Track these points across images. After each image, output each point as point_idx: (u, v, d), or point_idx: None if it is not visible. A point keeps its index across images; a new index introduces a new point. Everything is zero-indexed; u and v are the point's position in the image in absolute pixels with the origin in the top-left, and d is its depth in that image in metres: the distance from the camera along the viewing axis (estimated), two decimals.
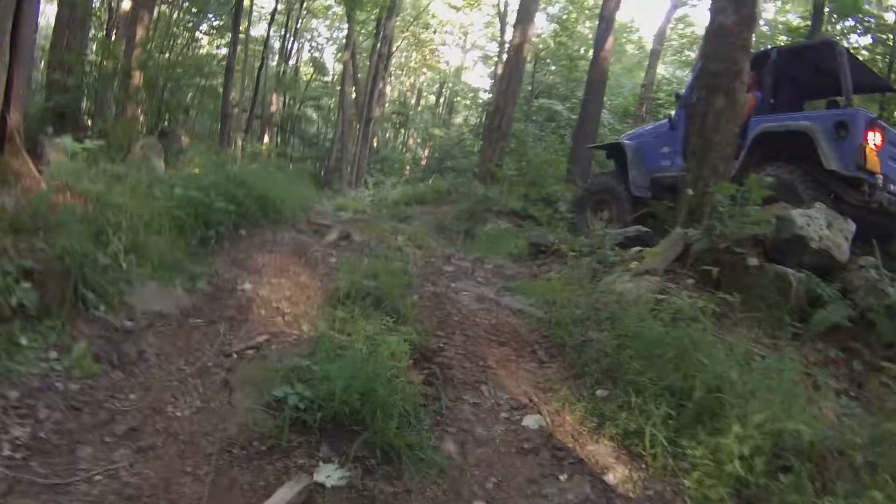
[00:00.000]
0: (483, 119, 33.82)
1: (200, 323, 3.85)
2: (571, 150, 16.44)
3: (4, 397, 2.86)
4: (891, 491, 2.84)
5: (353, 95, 27.96)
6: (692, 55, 30.86)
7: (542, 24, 28.86)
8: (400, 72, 43.33)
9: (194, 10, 28.69)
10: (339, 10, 31.63)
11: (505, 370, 3.91)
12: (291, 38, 33.57)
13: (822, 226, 6.12)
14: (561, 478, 2.99)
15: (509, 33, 31.66)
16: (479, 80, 46.85)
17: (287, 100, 35.30)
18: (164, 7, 27.09)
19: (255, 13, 33.05)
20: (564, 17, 28.89)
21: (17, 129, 4.60)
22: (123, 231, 4.45)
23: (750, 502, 2.93)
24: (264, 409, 2.91)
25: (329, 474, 2.65)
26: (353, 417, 2.83)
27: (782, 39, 20.64)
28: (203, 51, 33.47)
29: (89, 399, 3.05)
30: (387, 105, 35.41)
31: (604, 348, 4.17)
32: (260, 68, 27.31)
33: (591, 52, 27.01)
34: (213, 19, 29.78)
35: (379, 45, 24.09)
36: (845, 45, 9.55)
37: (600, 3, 28.40)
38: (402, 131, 39.14)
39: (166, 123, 22.99)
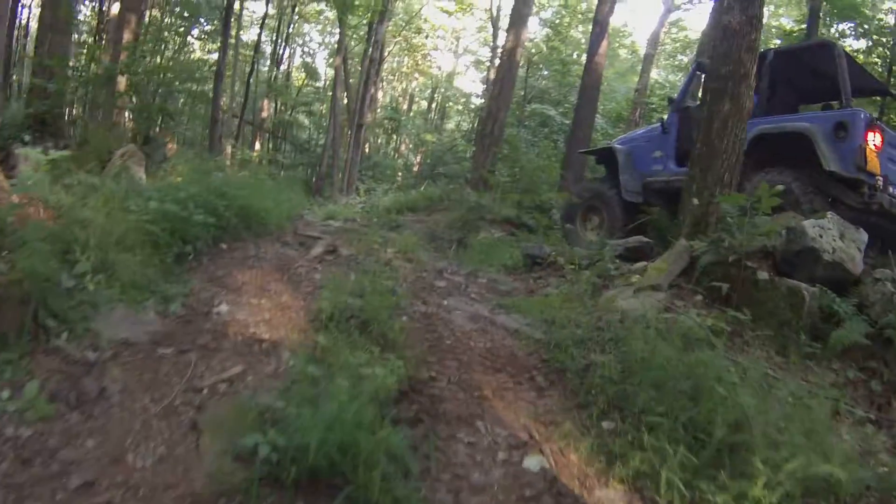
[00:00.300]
0: (475, 124, 33.68)
1: (170, 352, 3.52)
2: (565, 156, 16.22)
3: None
4: None
5: (345, 101, 27.73)
6: (686, 59, 30.79)
7: (534, 29, 28.69)
8: (392, 77, 43.17)
9: (186, 14, 28.52)
10: (331, 14, 31.45)
11: (502, 401, 3.60)
12: (283, 44, 33.34)
13: (834, 237, 5.85)
14: None
15: (502, 38, 31.59)
16: (472, 85, 46.83)
17: (278, 105, 35.04)
18: (155, 12, 26.95)
19: (246, 18, 32.88)
20: (557, 21, 28.69)
21: None
22: (92, 249, 4.13)
23: None
24: (233, 460, 2.60)
25: None
26: (332, 470, 2.50)
27: (775, 43, 20.46)
28: (195, 56, 33.27)
29: (41, 447, 2.72)
30: (378, 110, 35.17)
31: (609, 374, 3.87)
32: (250, 73, 27.04)
33: (583, 57, 27.08)
34: (204, 24, 29.61)
35: (371, 49, 23.81)
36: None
37: (593, 7, 28.52)
38: (394, 137, 38.92)
39: (157, 129, 22.79)
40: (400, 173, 31.84)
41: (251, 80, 27.60)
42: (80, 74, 8.98)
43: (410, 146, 38.25)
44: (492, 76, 31.50)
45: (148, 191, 5.48)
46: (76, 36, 27.17)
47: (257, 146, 31.15)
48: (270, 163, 28.15)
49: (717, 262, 5.59)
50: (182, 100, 34.17)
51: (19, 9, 16.11)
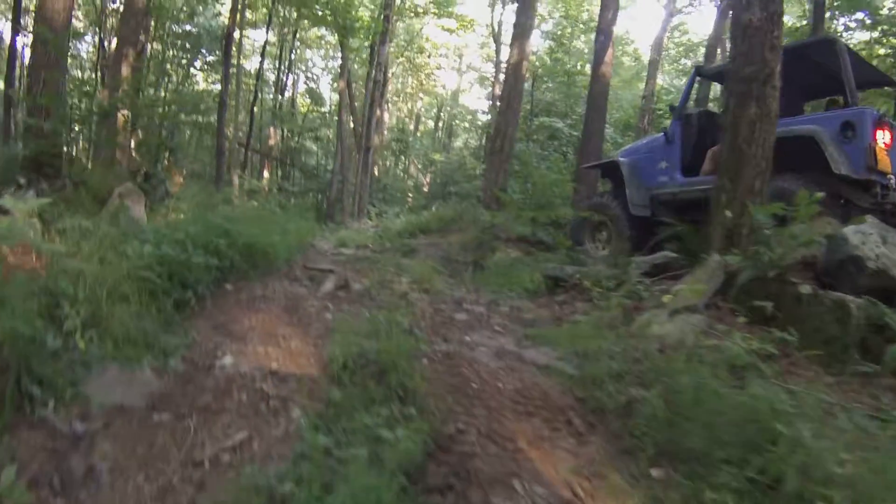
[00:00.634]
0: (483, 141, 33.48)
1: (168, 418, 3.16)
2: (576, 169, 15.88)
3: None
4: None
5: (351, 125, 27.54)
6: (689, 63, 30.46)
7: (537, 42, 28.45)
8: (397, 98, 43.07)
9: (188, 46, 28.49)
10: (333, 39, 31.35)
11: (539, 452, 3.22)
12: (286, 71, 33.23)
13: (877, 243, 5.46)
14: None
15: (504, 53, 31.45)
16: (477, 101, 46.72)
17: (285, 133, 34.92)
18: (156, 45, 26.90)
19: (248, 47, 32.82)
20: (559, 32, 28.46)
21: None
22: (81, 303, 3.80)
23: None
24: None
25: None
26: None
27: None
28: (199, 87, 33.24)
29: None
30: (385, 132, 34.96)
31: (653, 412, 3.49)
32: (253, 102, 26.86)
33: (588, 67, 26.83)
34: (207, 55, 29.57)
35: (374, 71, 23.60)
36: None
37: (595, 16, 28.33)
38: (403, 158, 38.70)
39: (163, 163, 22.61)
40: (410, 195, 31.59)
41: (255, 109, 27.38)
42: (75, 112, 8.68)
43: (419, 167, 38.05)
44: (497, 92, 31.40)
45: (144, 233, 5.15)
46: (79, 72, 27.27)
47: (266, 174, 30.96)
48: (280, 191, 27.99)
49: (757, 278, 5.22)
50: (188, 132, 34.26)
51: (21, 48, 15.90)
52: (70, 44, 9.53)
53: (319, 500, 2.25)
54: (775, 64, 6.17)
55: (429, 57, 37.40)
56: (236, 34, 22.49)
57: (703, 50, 30.64)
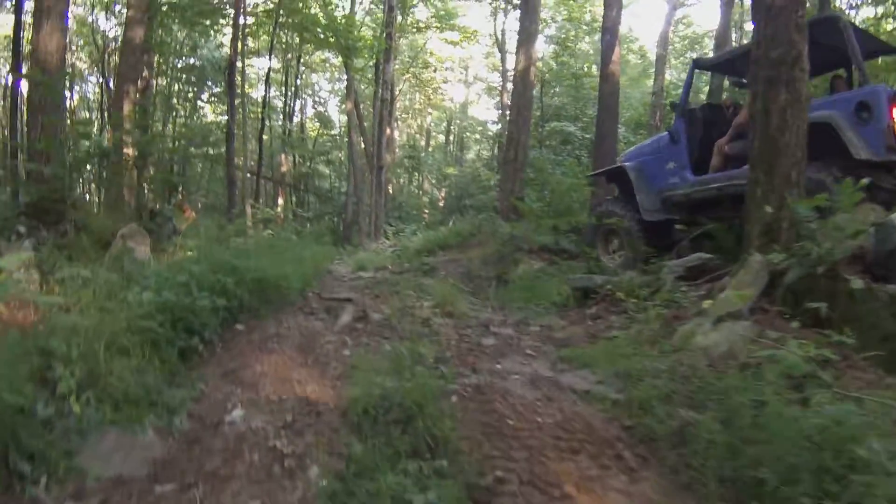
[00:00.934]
0: (495, 151, 33.17)
1: (172, 489, 2.81)
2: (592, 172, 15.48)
3: None
4: None
5: (362, 145, 27.32)
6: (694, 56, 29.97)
7: (541, 48, 28.11)
8: (406, 115, 42.90)
9: (193, 79, 28.49)
10: (337, 61, 31.24)
11: (589, 496, 2.85)
12: (293, 96, 33.15)
13: None
14: None
15: (510, 61, 31.19)
16: (486, 112, 46.43)
17: (296, 158, 34.81)
18: (161, 80, 26.91)
19: (252, 75, 32.78)
20: (563, 36, 28.13)
21: None
22: (76, 362, 3.49)
23: None
24: None
25: None
26: None
27: None
28: (207, 120, 33.27)
29: None
30: (397, 150, 34.74)
31: (710, 438, 3.12)
32: (261, 129, 26.73)
33: (594, 69, 26.49)
34: (212, 87, 29.56)
35: (380, 90, 23.37)
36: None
37: (597, 17, 27.99)
38: (416, 175, 38.45)
39: (173, 199, 22.49)
40: (426, 211, 31.28)
41: (264, 137, 27.25)
42: (74, 155, 8.44)
43: (433, 182, 37.76)
44: (505, 100, 31.11)
45: (146, 278, 4.84)
46: (86, 114, 27.34)
47: (280, 201, 30.81)
48: (295, 217, 27.82)
49: (805, 277, 4.82)
50: (199, 165, 34.23)
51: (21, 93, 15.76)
52: (66, 85, 9.29)
53: None
54: (803, 45, 5.77)
55: (434, 71, 37.13)
56: (239, 63, 22.30)
57: (708, 41, 30.34)
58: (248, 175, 27.33)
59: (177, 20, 22.34)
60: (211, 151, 30.47)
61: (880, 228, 5.10)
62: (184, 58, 27.35)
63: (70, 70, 26.51)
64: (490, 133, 38.83)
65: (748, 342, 4.44)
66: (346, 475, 2.76)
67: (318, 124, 39.00)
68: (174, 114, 30.79)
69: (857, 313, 4.56)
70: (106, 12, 23.09)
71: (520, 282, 8.81)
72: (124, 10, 14.59)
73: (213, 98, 31.12)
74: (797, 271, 4.81)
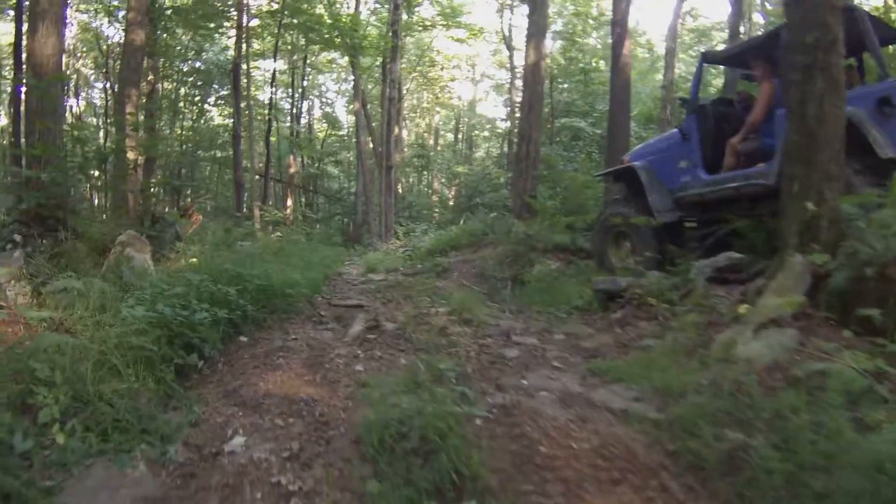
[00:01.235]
0: (504, 149, 32.84)
1: None
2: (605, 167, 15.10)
3: None
4: None
5: (370, 145, 27.07)
6: (703, 49, 29.47)
7: (548, 43, 27.74)
8: (414, 114, 42.63)
9: (199, 82, 28.28)
10: (344, 61, 30.99)
11: None
12: (300, 98, 32.91)
13: None
14: None
15: (518, 58, 30.92)
16: (494, 109, 46.13)
17: (304, 160, 34.60)
18: (167, 84, 26.72)
19: (259, 78, 32.55)
20: (570, 31, 27.76)
21: None
22: (60, 386, 3.16)
23: None
24: None
25: None
26: None
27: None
28: (214, 123, 33.12)
29: None
30: (405, 150, 34.44)
31: (765, 465, 2.76)
32: (268, 131, 26.49)
33: (602, 64, 26.12)
34: (219, 90, 29.34)
35: (388, 89, 23.08)
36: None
37: (604, 11, 27.64)
38: (425, 174, 38.14)
39: (182, 202, 22.26)
40: (436, 210, 30.97)
41: (270, 138, 27.00)
42: (72, 160, 8.12)
43: (443, 181, 37.45)
44: (514, 97, 30.79)
45: (141, 289, 4.51)
46: (93, 119, 27.15)
47: (289, 203, 30.56)
48: (304, 219, 27.59)
49: (853, 279, 4.44)
50: (208, 168, 34.06)
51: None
52: (70, 90, 8.99)
53: None
54: (838, 29, 5.37)
55: (441, 69, 36.83)
56: (244, 65, 22.04)
57: (715, 34, 29.90)
58: (257, 177, 27.10)
59: (180, 24, 22.11)
60: (219, 154, 30.31)
61: None
62: (189, 61, 27.12)
63: (74, 76, 26.46)
64: (499, 130, 38.54)
65: (794, 352, 4.08)
66: None
67: (325, 125, 38.78)
68: (181, 117, 30.62)
69: None
70: (109, 18, 22.82)
71: (537, 283, 8.48)
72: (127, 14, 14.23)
73: (219, 101, 30.90)
74: (844, 273, 4.42)
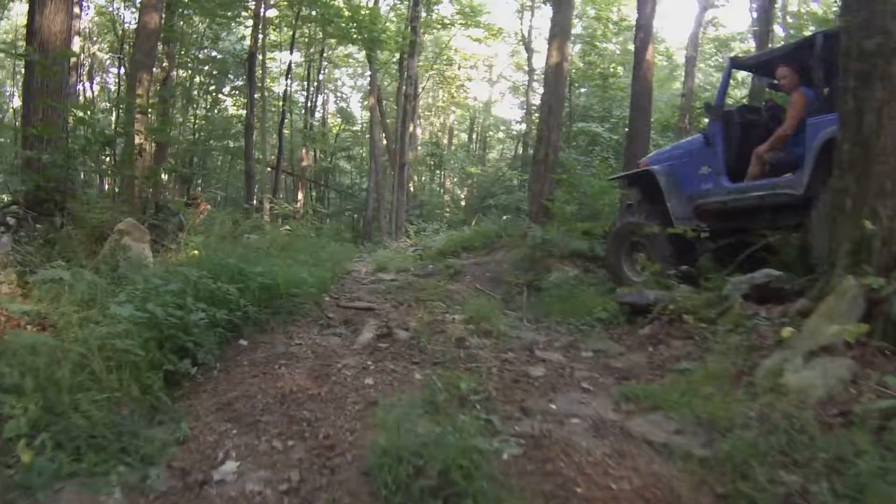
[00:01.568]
0: (519, 150, 32.47)
1: None
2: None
3: None
4: None
5: (384, 142, 26.75)
6: (725, 58, 28.96)
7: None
8: (429, 113, 42.30)
9: (214, 72, 28.02)
10: (361, 56, 30.69)
11: None
12: (315, 91, 32.61)
13: None
14: None
15: (536, 60, 30.58)
16: (510, 111, 45.81)
17: (317, 153, 34.34)
18: (182, 72, 26.46)
19: (275, 70, 32.32)
20: (590, 34, 27.33)
21: None
22: (31, 395, 2.78)
23: None
24: None
25: None
26: None
27: (807, 31, 18.93)
28: (228, 113, 32.90)
29: None
30: (419, 148, 34.10)
31: None
32: (281, 123, 26.20)
33: (621, 70, 25.70)
34: (234, 80, 29.09)
35: (404, 86, 22.74)
36: None
37: (625, 16, 27.20)
38: (438, 173, 37.81)
39: (187, 193, 21.92)
40: (448, 210, 30.60)
41: (283, 131, 26.70)
42: (75, 142, 7.75)
43: (455, 181, 37.11)
44: (531, 100, 30.44)
45: (133, 284, 4.12)
46: (106, 104, 26.85)
47: (300, 196, 30.26)
48: (314, 213, 27.30)
49: None
50: (220, 158, 33.80)
51: None
52: (83, 73, 8.64)
53: None
54: None
55: (458, 69, 36.47)
56: (260, 56, 21.73)
57: (736, 44, 29.42)
58: (269, 169, 26.81)
59: (197, 10, 21.82)
60: (231, 144, 30.04)
61: None
62: (205, 49, 26.87)
63: (89, 60, 26.20)
64: (514, 132, 38.19)
65: (850, 385, 3.68)
66: None
67: (340, 120, 38.52)
68: (195, 106, 30.39)
69: None
70: (124, 0, 22.57)
71: (555, 290, 8.08)
72: None
73: (234, 91, 30.65)
74: None
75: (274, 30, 27.03)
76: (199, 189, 29.67)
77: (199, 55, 27.03)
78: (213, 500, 2.49)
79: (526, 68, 33.52)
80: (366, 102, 32.91)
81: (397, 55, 25.14)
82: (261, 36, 21.73)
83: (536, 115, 26.59)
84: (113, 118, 22.44)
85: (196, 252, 6.51)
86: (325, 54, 31.76)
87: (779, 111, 7.52)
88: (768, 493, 2.69)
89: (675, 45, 33.59)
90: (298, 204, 27.96)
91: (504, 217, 17.65)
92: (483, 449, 2.70)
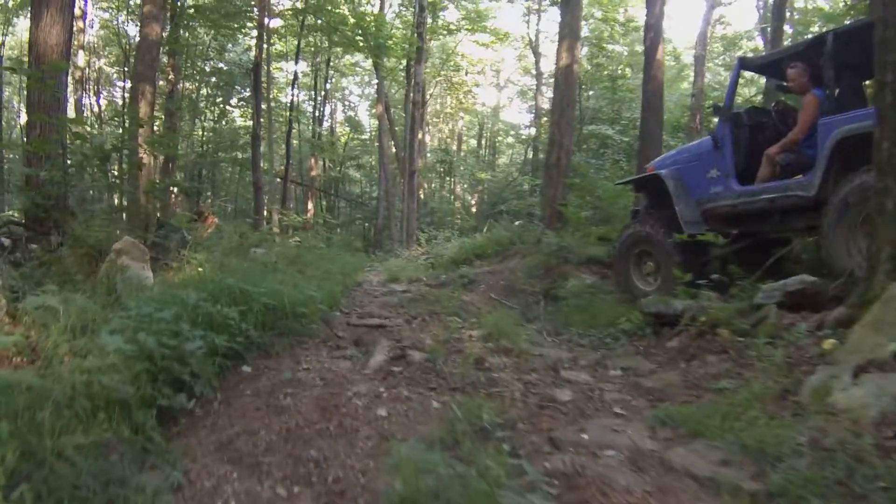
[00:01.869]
0: (528, 155, 32.20)
1: None
2: None
3: None
4: None
5: (393, 149, 26.57)
6: (733, 57, 28.57)
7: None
8: (437, 119, 42.21)
9: (221, 83, 27.90)
10: (367, 64, 30.57)
11: None
12: (322, 100, 32.48)
13: None
14: None
15: (544, 64, 30.40)
16: (518, 115, 45.61)
17: (326, 163, 34.22)
18: (189, 84, 26.35)
19: (282, 80, 32.21)
20: (597, 36, 27.08)
21: None
22: (9, 440, 2.49)
23: None
24: None
25: None
26: None
27: (813, 30, 18.69)
28: (237, 124, 32.85)
29: None
30: (428, 155, 33.89)
31: None
32: (288, 133, 26.06)
33: (629, 71, 25.41)
34: (241, 91, 28.98)
35: (412, 92, 22.54)
36: None
37: (632, 17, 26.94)
38: (448, 179, 37.60)
39: (199, 204, 21.73)
40: (459, 216, 30.36)
41: (291, 141, 26.56)
42: (72, 157, 7.52)
43: (466, 187, 36.88)
44: (539, 103, 30.20)
45: (125, 309, 3.83)
46: (115, 119, 26.72)
47: (310, 206, 30.10)
48: (324, 223, 27.13)
49: None
50: (229, 169, 33.66)
51: None
52: (65, 80, 8.40)
53: None
54: None
55: (466, 74, 36.30)
56: (265, 66, 21.56)
57: (744, 43, 29.09)
58: (278, 180, 26.65)
59: (201, 22, 21.70)
60: (240, 156, 29.92)
61: None
62: (211, 61, 26.78)
63: (96, 73, 26.15)
64: (523, 137, 37.97)
65: None
66: None
67: (348, 129, 38.42)
68: (202, 118, 30.32)
69: None
70: (126, 13, 22.45)
71: (573, 299, 7.81)
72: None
73: (241, 102, 30.57)
74: None
75: (279, 39, 26.93)
76: (210, 201, 29.55)
77: (206, 67, 26.93)
78: None
79: (534, 72, 33.35)
80: (374, 111, 32.78)
81: (404, 62, 25.01)
82: (265, 46, 21.55)
83: (546, 118, 26.38)
84: (119, 132, 22.34)
85: (200, 270, 6.26)
86: (331, 63, 31.64)
87: (789, 112, 7.36)
88: None
89: (682, 45, 33.32)
90: (309, 214, 27.80)
91: (516, 223, 17.36)
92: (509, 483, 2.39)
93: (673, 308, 5.62)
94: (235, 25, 22.68)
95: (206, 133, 31.13)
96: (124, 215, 8.50)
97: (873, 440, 2.99)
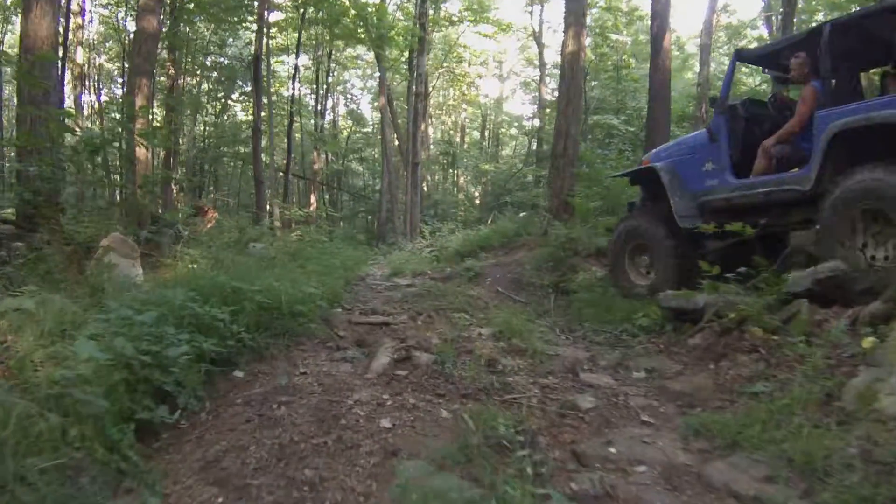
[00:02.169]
0: (532, 146, 31.86)
1: None
2: None
3: None
4: None
5: (396, 142, 26.26)
6: (737, 46, 28.26)
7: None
8: (440, 111, 41.86)
9: (222, 78, 27.64)
10: (369, 57, 30.24)
11: None
12: (324, 94, 32.16)
13: None
14: None
15: (548, 55, 30.04)
16: (521, 107, 45.31)
17: (328, 156, 33.96)
18: (189, 79, 26.10)
19: (283, 74, 31.94)
20: (601, 26, 26.74)
21: None
22: None
23: None
24: None
25: None
26: None
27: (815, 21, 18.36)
28: (237, 118, 32.67)
29: None
30: (431, 147, 33.56)
31: None
32: (289, 126, 25.78)
33: (632, 61, 25.08)
34: (242, 85, 28.75)
35: (414, 84, 22.24)
36: None
37: (636, 7, 26.61)
38: (452, 172, 37.30)
39: (201, 198, 21.46)
40: (462, 208, 30.07)
41: (292, 134, 26.28)
42: (61, 151, 7.23)
43: (469, 179, 36.55)
44: (543, 94, 29.85)
45: (104, 311, 3.51)
46: (115, 115, 26.50)
47: (312, 199, 29.84)
48: (327, 217, 26.87)
49: None
50: (231, 164, 33.45)
51: None
52: (56, 74, 8.11)
53: None
54: None
55: (468, 66, 35.93)
56: (265, 60, 21.26)
57: (748, 31, 28.75)
58: (280, 174, 26.40)
59: (202, 15, 21.41)
60: (242, 150, 29.68)
61: None
62: (212, 56, 26.51)
63: (97, 70, 25.88)
64: (526, 128, 37.65)
65: None
66: None
67: (350, 122, 38.12)
68: (203, 113, 30.10)
69: None
70: (126, 8, 22.17)
71: (585, 293, 7.53)
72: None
73: (242, 96, 30.32)
74: None
75: (280, 32, 26.63)
76: (212, 196, 29.32)
77: (206, 62, 26.66)
78: None
79: (537, 63, 32.98)
80: (376, 103, 32.45)
81: (406, 53, 24.67)
82: (266, 40, 21.24)
83: (549, 110, 26.05)
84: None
85: (193, 265, 5.96)
86: (332, 56, 31.33)
87: (786, 104, 7.15)
88: None
89: (686, 34, 33.04)
90: (311, 208, 27.55)
91: (521, 214, 17.06)
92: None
93: (694, 303, 5.29)
94: (235, 19, 22.38)
95: (207, 128, 30.88)
96: (119, 211, 8.18)
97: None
